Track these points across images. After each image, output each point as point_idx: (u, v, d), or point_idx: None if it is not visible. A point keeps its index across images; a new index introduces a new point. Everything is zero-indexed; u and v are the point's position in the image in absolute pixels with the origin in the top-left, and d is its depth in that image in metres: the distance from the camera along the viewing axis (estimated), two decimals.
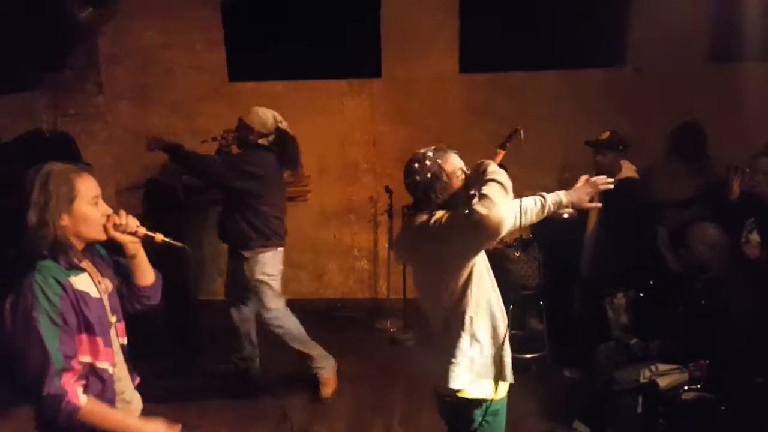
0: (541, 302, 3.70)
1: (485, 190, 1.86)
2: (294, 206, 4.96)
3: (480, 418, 2.03)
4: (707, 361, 2.65)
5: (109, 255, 1.84)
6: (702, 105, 4.16)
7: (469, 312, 2.00)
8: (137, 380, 1.92)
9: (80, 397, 1.56)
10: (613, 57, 4.58)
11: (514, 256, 3.62)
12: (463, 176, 2.04)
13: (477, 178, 1.97)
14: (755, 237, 2.95)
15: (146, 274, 1.83)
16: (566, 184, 4.57)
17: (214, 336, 4.44)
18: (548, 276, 3.71)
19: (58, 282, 1.57)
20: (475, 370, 2.02)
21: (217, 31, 4.75)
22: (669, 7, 4.13)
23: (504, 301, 3.56)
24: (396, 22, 4.64)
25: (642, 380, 2.74)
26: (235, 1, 4.71)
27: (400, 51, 4.66)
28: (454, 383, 2.00)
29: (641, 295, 3.27)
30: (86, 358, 1.62)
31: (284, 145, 3.52)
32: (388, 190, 4.36)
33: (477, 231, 1.84)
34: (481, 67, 4.62)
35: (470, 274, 1.98)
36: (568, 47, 4.40)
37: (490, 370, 2.05)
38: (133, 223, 1.73)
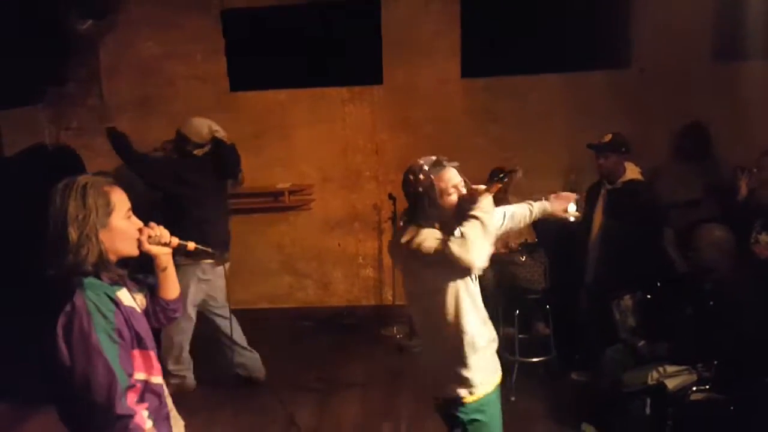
0: (548, 306, 3.67)
1: (466, 228, 1.89)
2: (297, 215, 4.98)
3: (474, 412, 2.08)
4: (716, 362, 2.62)
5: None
6: (707, 105, 4.15)
7: (461, 322, 2.04)
8: None
9: (146, 422, 1.52)
10: (616, 58, 4.56)
11: (520, 261, 3.61)
12: (456, 195, 2.03)
13: (467, 204, 1.99)
14: (765, 237, 2.93)
15: (175, 287, 1.78)
16: (573, 188, 4.60)
17: (214, 345, 4.44)
18: (554, 280, 3.70)
19: (110, 298, 1.51)
20: (472, 375, 2.07)
21: (217, 40, 4.77)
22: (672, 7, 4.12)
23: (510, 306, 3.60)
24: (397, 27, 4.65)
25: (650, 382, 2.73)
26: (236, 11, 4.73)
27: (401, 57, 4.67)
28: (459, 392, 2.06)
29: (648, 297, 3.24)
30: (141, 375, 1.57)
31: (220, 155, 3.61)
32: (391, 197, 4.36)
33: (449, 267, 1.91)
34: (483, 72, 4.62)
35: (455, 289, 2.02)
36: (570, 49, 4.40)
37: (483, 370, 2.10)
38: (166, 233, 1.69)
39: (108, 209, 1.54)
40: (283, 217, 4.99)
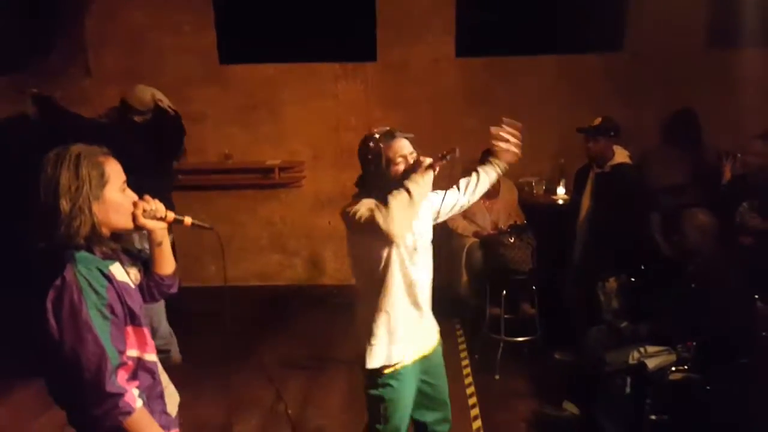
0: (534, 287, 3.72)
1: (392, 198, 1.90)
2: (288, 192, 4.96)
3: (382, 384, 2.14)
4: (694, 343, 2.69)
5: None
6: (700, 91, 4.17)
7: (382, 292, 2.09)
8: None
9: (137, 400, 1.48)
10: (610, 42, 4.56)
11: (509, 242, 3.64)
12: (403, 165, 2.04)
13: (408, 175, 2.01)
14: (752, 219, 2.98)
15: (170, 262, 1.73)
16: (562, 171, 4.63)
17: (206, 321, 4.46)
18: (541, 261, 3.74)
19: (102, 273, 1.46)
20: (387, 347, 2.12)
21: (206, 12, 4.69)
22: None
23: (497, 287, 3.65)
24: (392, 3, 4.59)
25: (631, 362, 2.78)
26: None
27: (395, 34, 4.62)
28: (370, 364, 2.12)
29: (632, 279, 3.30)
30: (134, 352, 1.54)
31: (161, 123, 3.56)
32: None
33: (372, 234, 1.93)
34: (478, 52, 4.59)
35: (385, 259, 2.05)
36: (565, 32, 4.38)
37: (401, 343, 2.13)
38: (161, 207, 1.62)
39: (102, 180, 1.49)
40: (274, 194, 4.97)
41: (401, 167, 2.03)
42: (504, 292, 3.65)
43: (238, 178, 4.93)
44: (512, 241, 3.64)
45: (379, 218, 1.87)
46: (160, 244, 1.68)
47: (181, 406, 3.39)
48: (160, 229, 1.65)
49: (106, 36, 4.73)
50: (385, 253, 2.05)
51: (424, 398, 2.27)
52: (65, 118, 3.42)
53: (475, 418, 3.22)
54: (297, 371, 3.71)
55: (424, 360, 2.22)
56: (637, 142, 3.80)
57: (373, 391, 2.17)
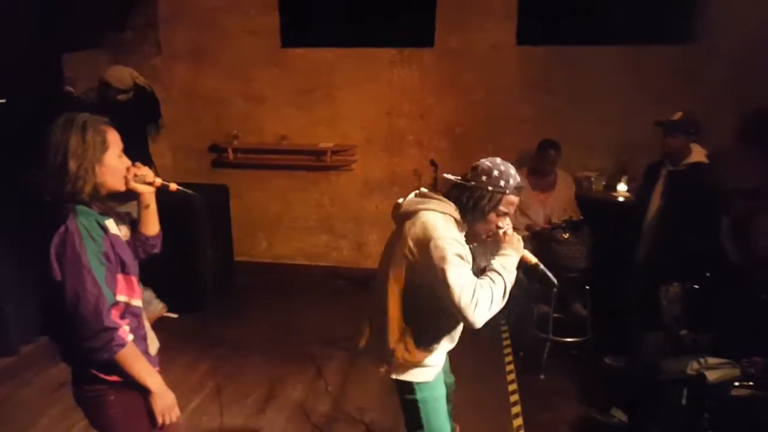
0: (587, 287, 3.58)
1: (495, 290, 1.79)
2: (338, 175, 4.99)
3: (414, 397, 2.05)
4: (763, 358, 2.50)
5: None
6: None
7: (411, 312, 1.97)
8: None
9: (128, 335, 1.66)
10: (682, 33, 4.27)
11: (562, 238, 3.50)
12: (495, 225, 1.93)
13: (493, 243, 1.93)
14: None
15: (155, 224, 1.91)
16: (624, 167, 4.41)
17: (254, 295, 4.58)
18: (597, 260, 3.58)
19: (99, 224, 1.65)
20: (413, 363, 2.02)
21: None
22: None
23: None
24: None
25: (689, 372, 2.62)
26: None
27: (455, 20, 4.52)
28: (394, 374, 2.03)
29: (696, 286, 3.11)
30: (123, 297, 1.70)
31: (143, 101, 3.75)
32: (433, 163, 4.28)
33: (455, 311, 1.79)
34: (540, 40, 4.43)
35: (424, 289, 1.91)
36: (633, 21, 4.14)
37: (431, 364, 2.05)
38: (150, 174, 1.82)
39: (104, 146, 1.68)
40: (325, 176, 5.01)
41: (499, 221, 1.93)
42: (554, 289, 3.53)
43: (292, 159, 4.99)
44: (566, 237, 3.50)
45: (477, 312, 1.75)
46: (147, 206, 1.86)
47: (226, 375, 3.53)
48: (148, 192, 1.83)
49: (177, 15, 4.87)
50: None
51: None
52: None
53: (516, 416, 3.14)
54: (338, 351, 3.74)
55: None
56: (705, 142, 3.56)
57: (409, 396, 2.06)
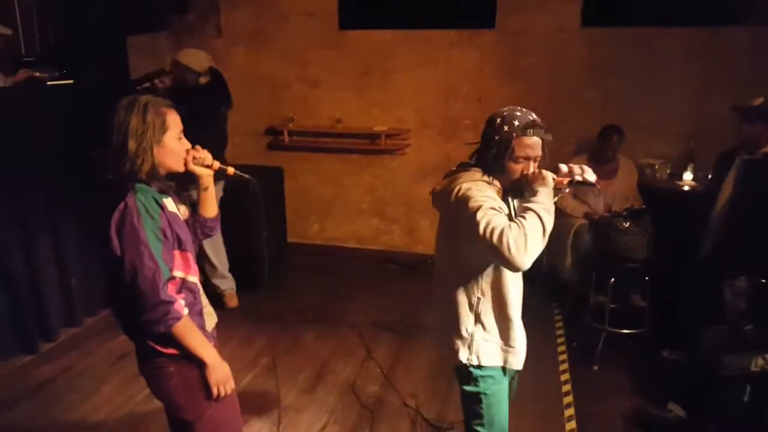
0: (647, 278, 3.46)
1: (528, 225, 1.68)
2: (392, 159, 4.99)
3: (478, 389, 2.00)
4: None
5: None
6: None
7: (476, 293, 1.93)
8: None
9: (184, 309, 1.70)
10: (760, 13, 4.00)
11: (623, 227, 3.38)
12: (521, 167, 1.85)
13: (526, 185, 1.84)
14: None
15: (213, 207, 1.95)
16: (691, 154, 4.21)
17: (306, 277, 4.68)
18: (658, 251, 3.45)
19: (157, 202, 1.69)
20: (478, 349, 1.97)
21: None
22: None
23: (605, 273, 3.43)
24: None
25: (753, 368, 2.52)
26: None
27: (517, 0, 4.41)
28: (460, 357, 1.99)
29: (764, 281, 2.95)
30: (179, 273, 1.74)
31: (220, 83, 3.80)
32: None
33: (492, 256, 1.72)
34: (606, 21, 4.25)
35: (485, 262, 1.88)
36: (706, 0, 3.92)
37: (495, 353, 2.00)
38: (209, 156, 1.85)
39: (164, 128, 1.72)
40: (378, 160, 5.02)
41: (520, 167, 1.86)
42: (612, 279, 3.43)
43: (346, 142, 5.03)
44: (627, 226, 3.38)
45: (511, 247, 1.65)
46: (206, 189, 1.91)
47: (279, 351, 3.62)
48: (206, 175, 1.88)
49: None
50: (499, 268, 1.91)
51: None
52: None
53: (568, 406, 3.09)
54: (387, 333, 3.79)
55: None
56: None
57: (470, 387, 2.02)
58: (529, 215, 1.73)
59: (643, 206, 3.64)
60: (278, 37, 4.97)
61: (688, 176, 4.05)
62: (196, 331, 1.73)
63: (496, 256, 1.70)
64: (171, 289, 1.68)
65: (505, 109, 1.89)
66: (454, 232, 1.90)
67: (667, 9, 4.05)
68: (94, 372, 3.37)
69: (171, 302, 1.65)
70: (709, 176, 3.57)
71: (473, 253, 1.84)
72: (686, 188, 4.00)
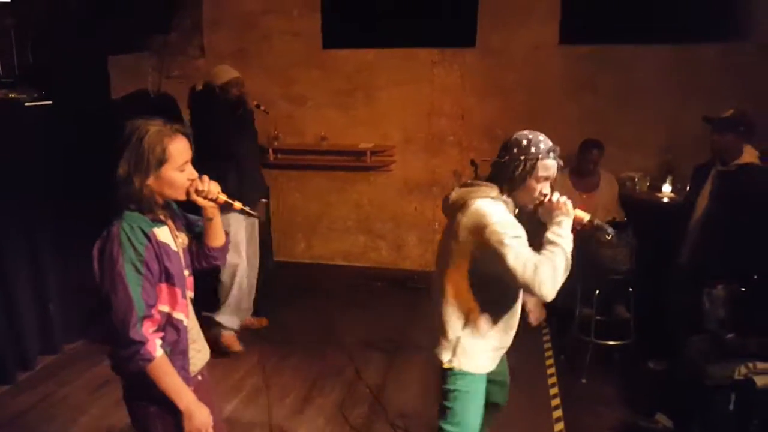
0: (630, 289, 3.51)
1: (556, 261, 1.82)
2: (377, 175, 5.03)
3: (454, 387, 2.06)
4: None
5: (181, 211, 1.89)
6: None
7: (476, 300, 2.00)
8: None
9: (157, 350, 1.61)
10: (732, 31, 4.14)
11: (606, 240, 3.43)
12: (538, 192, 1.96)
13: (545, 213, 1.95)
14: None
15: (219, 237, 1.87)
16: (670, 167, 4.31)
17: (293, 296, 4.64)
18: (640, 263, 3.51)
19: (144, 232, 1.61)
20: (463, 353, 2.04)
21: None
22: None
23: (590, 285, 3.48)
24: None
25: (737, 377, 2.56)
26: None
27: (496, 19, 4.51)
28: (442, 357, 2.07)
29: (743, 289, 3.02)
30: (165, 308, 1.67)
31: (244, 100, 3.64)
32: (473, 163, 4.26)
33: (520, 287, 1.86)
34: (583, 39, 4.37)
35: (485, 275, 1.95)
36: (681, 19, 4.05)
37: (482, 360, 2.07)
38: (215, 189, 1.76)
39: (162, 158, 1.63)
40: (364, 177, 5.05)
41: (540, 186, 1.96)
42: (597, 291, 3.48)
43: (332, 159, 5.06)
44: (609, 238, 3.43)
45: (543, 283, 1.78)
46: (210, 219, 1.83)
47: (267, 372, 3.54)
48: (210, 207, 1.79)
49: (221, 18, 5.00)
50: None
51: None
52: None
53: (558, 420, 3.11)
54: (376, 352, 3.77)
55: None
56: (758, 144, 3.44)
57: (445, 385, 2.09)
58: (557, 251, 1.85)
59: (625, 218, 3.71)
60: (262, 57, 5.00)
61: (667, 188, 4.14)
62: (172, 374, 1.64)
63: (524, 288, 1.83)
64: (147, 327, 1.59)
65: (528, 132, 2.00)
66: (460, 242, 1.97)
67: (643, 27, 4.17)
68: (72, 401, 3.22)
69: (142, 342, 1.57)
70: (687, 188, 3.66)
71: (482, 267, 1.94)
72: (666, 200, 4.09)
